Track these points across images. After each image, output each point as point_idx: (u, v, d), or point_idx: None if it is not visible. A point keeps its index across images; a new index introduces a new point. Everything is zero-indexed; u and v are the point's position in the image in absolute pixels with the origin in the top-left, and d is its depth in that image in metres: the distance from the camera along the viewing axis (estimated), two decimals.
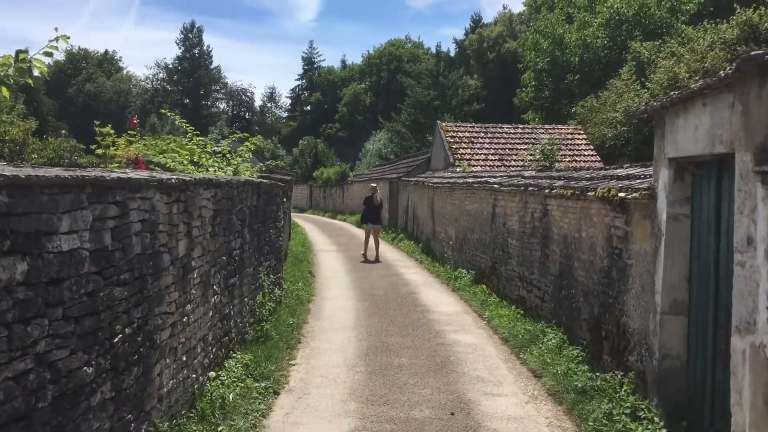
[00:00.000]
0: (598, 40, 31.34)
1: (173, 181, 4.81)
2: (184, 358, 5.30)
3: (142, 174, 4.48)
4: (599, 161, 21.08)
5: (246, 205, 8.17)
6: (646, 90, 24.70)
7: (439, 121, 23.24)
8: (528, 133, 22.87)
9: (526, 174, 11.52)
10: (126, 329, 4.02)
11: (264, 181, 9.63)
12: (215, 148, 13.04)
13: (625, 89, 25.25)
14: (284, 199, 14.38)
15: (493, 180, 12.49)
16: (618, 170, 7.94)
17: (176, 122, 12.51)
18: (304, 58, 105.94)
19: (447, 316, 11.03)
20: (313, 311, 11.39)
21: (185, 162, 12.02)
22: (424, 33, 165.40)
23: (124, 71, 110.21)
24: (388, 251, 21.26)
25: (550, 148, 15.29)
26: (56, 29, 4.37)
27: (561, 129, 22.53)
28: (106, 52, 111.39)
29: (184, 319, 5.30)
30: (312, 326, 10.20)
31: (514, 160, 21.04)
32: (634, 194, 6.06)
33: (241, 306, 7.84)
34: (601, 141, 24.93)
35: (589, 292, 7.41)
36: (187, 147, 12.36)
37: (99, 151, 7.79)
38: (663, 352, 5.51)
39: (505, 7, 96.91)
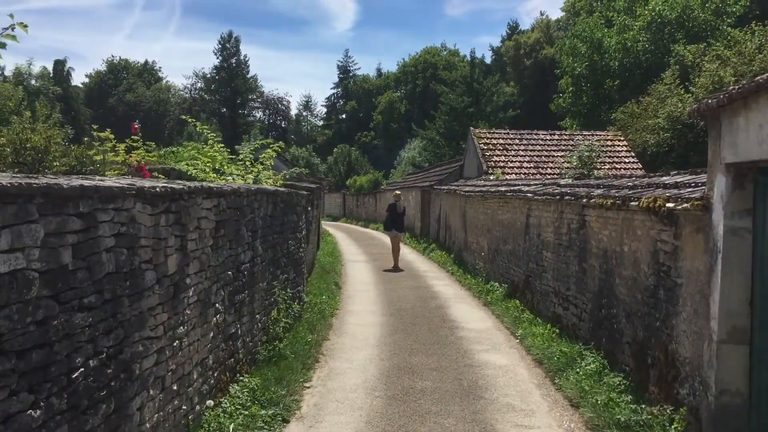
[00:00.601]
0: (639, 43, 30.25)
1: (158, 189, 4.28)
2: (175, 387, 4.75)
3: (119, 182, 3.95)
4: (641, 169, 20.12)
5: (258, 215, 7.64)
6: (690, 95, 23.63)
7: (472, 128, 22.53)
8: (565, 139, 21.99)
9: (562, 182, 10.80)
10: (91, 361, 3.48)
11: (281, 189, 9.11)
12: (238, 155, 12.65)
13: (668, 94, 24.22)
14: (309, 208, 13.87)
15: (526, 189, 11.77)
16: (664, 178, 7.19)
17: (198, 128, 12.09)
18: (340, 67, 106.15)
19: (477, 333, 10.34)
20: (335, 326, 10.81)
21: (207, 170, 11.64)
22: (461, 41, 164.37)
23: (164, 81, 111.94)
24: (419, 261, 20.62)
25: (588, 154, 14.46)
26: (11, 16, 3.86)
27: (600, 135, 21.59)
28: (146, 62, 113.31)
29: (176, 344, 4.76)
30: (333, 343, 9.62)
31: (551, 168, 20.21)
32: (685, 205, 5.33)
33: (252, 324, 7.30)
34: (643, 148, 23.93)
35: (632, 312, 6.67)
36: (209, 154, 12.00)
37: (97, 158, 7.35)
38: (720, 386, 4.77)
39: (542, 13, 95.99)
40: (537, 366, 8.32)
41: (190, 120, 12.44)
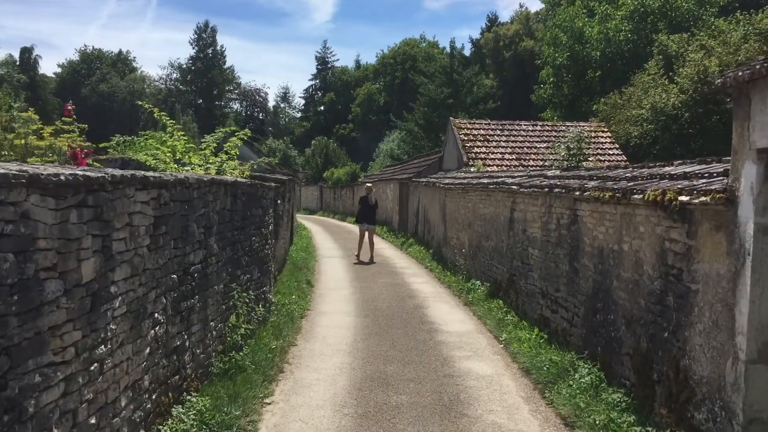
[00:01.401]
0: (621, 33, 29.64)
1: (64, 178, 3.39)
2: (93, 421, 3.88)
3: (5, 167, 3.06)
4: (625, 161, 19.47)
5: (214, 209, 6.76)
6: (674, 85, 23.06)
7: (452, 118, 21.74)
8: (548, 130, 21.29)
9: (549, 174, 10.03)
10: None
11: (242, 180, 8.22)
12: (200, 144, 11.75)
13: (651, 84, 23.63)
14: (278, 201, 12.99)
15: (511, 180, 11.00)
16: (667, 168, 6.44)
17: (156, 115, 11.16)
18: (318, 58, 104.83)
19: (458, 337, 9.55)
20: (304, 330, 9.95)
21: (168, 160, 10.72)
22: (440, 34, 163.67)
23: (138, 72, 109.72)
24: (396, 257, 19.81)
25: (576, 144, 13.70)
26: None
27: (584, 126, 20.91)
28: (120, 52, 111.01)
29: (94, 367, 3.89)
30: (300, 349, 8.77)
31: (533, 160, 19.51)
32: (703, 198, 4.56)
33: (205, 333, 6.42)
34: (626, 140, 23.33)
35: (634, 319, 5.92)
36: (169, 144, 11.08)
37: (18, 142, 6.43)
38: (749, 414, 4.02)
39: (521, 6, 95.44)
40: (524, 376, 7.54)
41: (147, 106, 11.49)
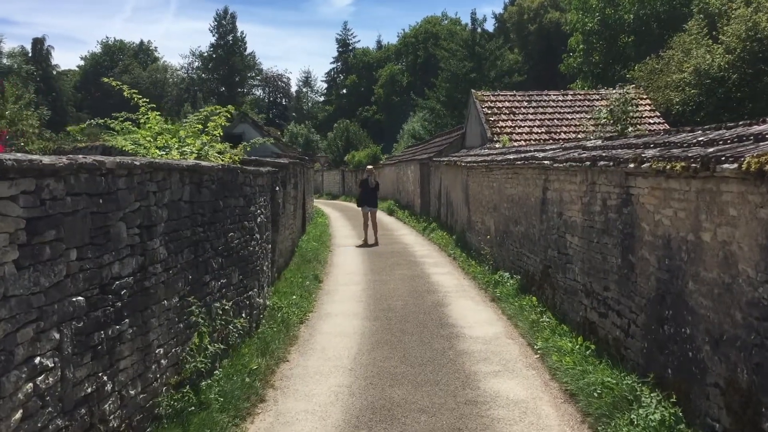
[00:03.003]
0: None
1: None
2: None
3: None
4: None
5: (159, 203, 5.22)
6: (719, 45, 20.93)
7: (473, 91, 19.92)
8: (580, 100, 19.36)
9: (589, 144, 8.28)
10: None
11: (207, 164, 6.65)
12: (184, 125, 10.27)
13: (693, 45, 21.50)
14: (276, 188, 11.44)
15: (542, 155, 9.27)
16: (758, 126, 4.72)
17: (125, 93, 9.68)
18: (339, 40, 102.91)
19: (484, 345, 7.94)
20: (301, 339, 8.43)
21: (149, 145, 9.29)
22: (462, 12, 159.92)
23: (160, 62, 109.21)
24: (417, 244, 18.19)
25: (621, 106, 11.78)
26: None
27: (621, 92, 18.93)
28: (142, 42, 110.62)
29: None
30: (292, 367, 7.25)
31: (565, 133, 17.65)
32: None
33: (144, 365, 4.90)
34: (666, 107, 21.29)
35: (726, 339, 4.24)
36: (148, 126, 9.64)
37: None
38: None
39: None
40: (568, 402, 5.90)
41: (114, 84, 9.99)
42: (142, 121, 9.58)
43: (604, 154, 6.59)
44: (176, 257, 5.60)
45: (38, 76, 59.11)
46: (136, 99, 9.77)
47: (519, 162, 10.22)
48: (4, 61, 54.79)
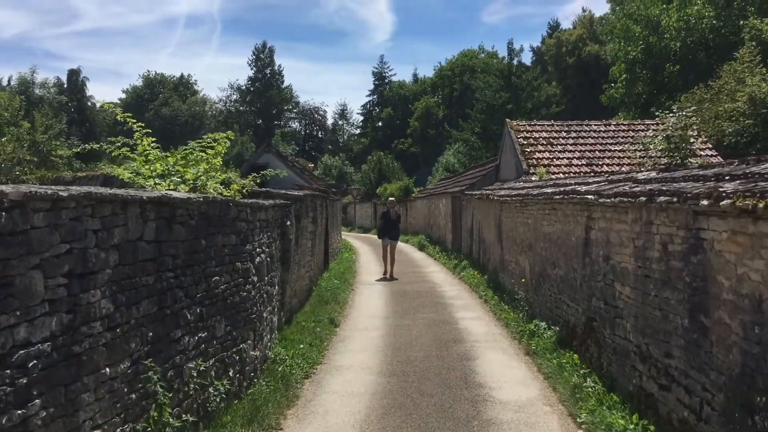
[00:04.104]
0: (704, 20, 25.94)
1: None
2: None
3: None
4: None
5: (102, 243, 4.16)
6: None
7: (508, 120, 18.75)
8: (623, 130, 18.04)
9: (641, 176, 7.03)
10: None
11: (190, 196, 5.60)
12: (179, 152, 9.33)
13: (747, 74, 20.01)
14: (287, 223, 10.39)
15: (584, 188, 8.03)
16: None
17: (119, 117, 8.81)
18: (375, 73, 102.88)
19: (516, 413, 6.65)
20: (302, 400, 7.24)
21: (148, 174, 8.37)
22: (499, 46, 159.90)
23: (199, 95, 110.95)
24: (446, 283, 16.92)
25: (680, 131, 10.43)
26: None
27: (654, 128, 17.54)
28: (182, 76, 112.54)
29: None
30: None
31: (608, 166, 16.34)
32: None
33: None
34: (717, 139, 19.75)
35: None
36: (144, 153, 8.73)
37: None
38: None
39: (584, 10, 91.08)
40: None
41: (108, 107, 9.11)
42: (140, 150, 8.67)
43: (664, 188, 5.34)
44: (129, 311, 4.52)
45: (72, 107, 59.92)
46: (130, 123, 8.88)
47: (557, 196, 8.98)
48: (36, 91, 55.69)
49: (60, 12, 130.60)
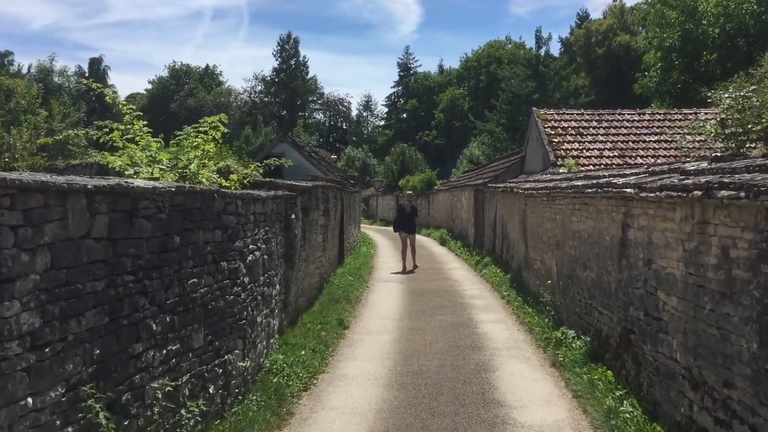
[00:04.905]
0: (745, 5, 24.48)
1: None
2: None
3: None
4: None
5: (30, 244, 3.35)
6: None
7: (535, 108, 17.69)
8: (659, 120, 16.91)
9: (690, 167, 6.04)
10: None
11: (156, 186, 4.76)
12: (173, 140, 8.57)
13: None
14: (292, 216, 9.55)
15: (622, 180, 7.04)
16: None
17: (108, 98, 8.06)
18: (400, 65, 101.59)
19: None
20: (296, 419, 6.42)
21: (141, 160, 7.64)
22: (526, 36, 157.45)
23: (225, 85, 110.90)
24: (466, 281, 15.98)
25: (737, 114, 9.32)
26: None
27: (708, 113, 16.34)
28: (207, 67, 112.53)
29: None
30: None
31: (642, 158, 15.24)
32: None
33: None
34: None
35: None
36: (137, 139, 7.98)
37: None
38: None
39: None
40: None
41: (95, 86, 8.34)
42: (136, 137, 7.93)
43: (726, 181, 4.36)
44: (65, 325, 3.69)
45: (93, 96, 59.66)
46: (121, 105, 8.12)
47: (590, 190, 7.99)
48: (55, 79, 55.63)
49: (89, 4, 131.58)
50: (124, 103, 8.14)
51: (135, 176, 6.99)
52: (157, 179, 6.65)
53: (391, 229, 41.11)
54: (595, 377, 6.96)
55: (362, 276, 16.19)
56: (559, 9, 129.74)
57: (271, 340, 8.20)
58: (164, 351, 4.88)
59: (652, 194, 5.74)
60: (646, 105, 30.11)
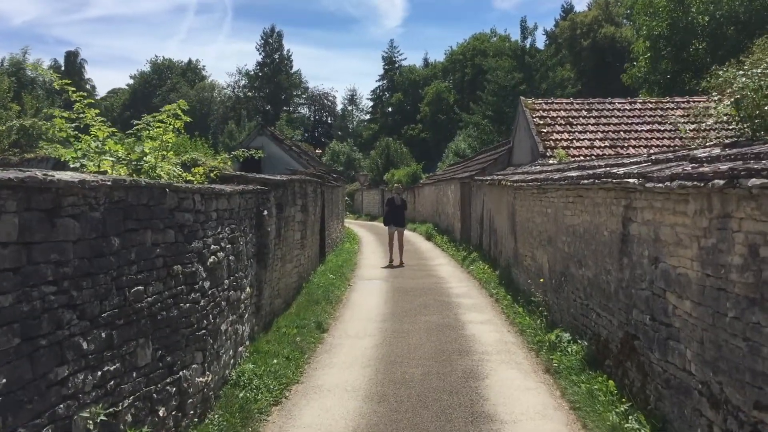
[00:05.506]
0: None
1: None
2: None
3: None
4: None
5: None
6: None
7: (522, 98, 17.03)
8: (650, 108, 16.33)
9: (701, 154, 5.39)
10: None
11: (84, 178, 4.03)
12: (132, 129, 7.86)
13: None
14: (264, 213, 8.82)
15: (622, 170, 6.39)
16: None
17: (55, 84, 7.33)
18: (385, 58, 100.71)
19: None
20: None
21: (92, 152, 6.93)
22: (511, 29, 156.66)
23: (208, 80, 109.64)
24: (453, 278, 15.34)
25: (751, 95, 8.72)
26: None
27: (699, 101, 15.78)
28: (190, 61, 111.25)
29: None
30: None
31: (634, 148, 14.66)
32: None
33: None
34: None
35: None
36: (91, 131, 7.27)
37: None
38: None
39: None
40: None
41: (40, 70, 7.59)
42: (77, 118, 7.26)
43: (756, 167, 3.71)
44: None
45: (63, 91, 58.36)
46: (70, 92, 7.38)
47: (586, 181, 7.34)
48: (28, 72, 54.26)
49: None
50: (74, 90, 7.39)
51: (82, 170, 6.32)
52: (104, 173, 5.95)
53: (377, 224, 40.49)
54: (595, 387, 6.32)
55: (344, 274, 15.49)
56: (543, 2, 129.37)
57: (240, 349, 7.49)
58: (98, 373, 4.16)
59: (661, 184, 5.08)
60: (633, 96, 29.60)
